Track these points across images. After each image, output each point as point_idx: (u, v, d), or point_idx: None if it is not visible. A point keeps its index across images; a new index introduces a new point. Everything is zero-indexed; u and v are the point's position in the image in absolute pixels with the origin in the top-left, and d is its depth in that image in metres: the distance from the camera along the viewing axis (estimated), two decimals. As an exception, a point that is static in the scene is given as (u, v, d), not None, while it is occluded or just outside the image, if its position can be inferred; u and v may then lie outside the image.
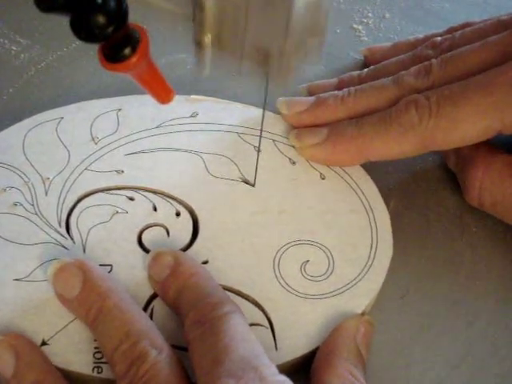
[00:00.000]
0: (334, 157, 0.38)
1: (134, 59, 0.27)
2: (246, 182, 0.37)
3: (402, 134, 0.35)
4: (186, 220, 0.36)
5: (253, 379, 0.27)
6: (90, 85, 0.43)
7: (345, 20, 0.48)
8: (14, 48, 0.45)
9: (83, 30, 0.25)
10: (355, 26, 0.47)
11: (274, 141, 0.39)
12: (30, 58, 0.44)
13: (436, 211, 0.38)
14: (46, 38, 0.45)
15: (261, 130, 0.37)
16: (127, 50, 0.27)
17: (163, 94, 0.31)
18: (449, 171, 0.39)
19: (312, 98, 0.39)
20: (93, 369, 0.31)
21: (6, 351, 0.30)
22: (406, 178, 0.40)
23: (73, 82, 0.43)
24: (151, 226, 0.35)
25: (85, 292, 0.31)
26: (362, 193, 0.37)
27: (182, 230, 0.35)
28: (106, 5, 0.25)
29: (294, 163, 0.38)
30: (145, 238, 0.35)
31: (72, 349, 0.31)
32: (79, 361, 0.31)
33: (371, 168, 0.38)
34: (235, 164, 0.38)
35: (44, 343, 0.31)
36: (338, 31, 0.47)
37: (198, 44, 0.31)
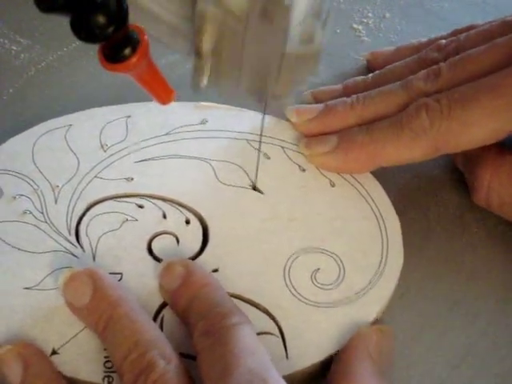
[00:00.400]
0: (346, 165, 0.37)
1: (134, 59, 0.27)
2: (256, 189, 0.37)
3: (413, 139, 0.35)
4: (195, 228, 0.36)
5: None
6: (90, 85, 0.43)
7: (345, 20, 0.48)
8: (14, 48, 0.45)
9: (83, 30, 0.25)
10: (355, 26, 0.47)
11: (283, 148, 0.39)
12: (30, 58, 0.44)
13: (436, 211, 0.38)
14: (46, 38, 0.45)
15: (260, 135, 0.37)
16: (127, 51, 0.27)
17: (163, 95, 0.31)
18: (449, 171, 0.39)
19: (321, 106, 0.39)
20: (103, 378, 0.30)
21: (14, 360, 0.30)
22: (406, 177, 0.40)
23: (73, 82, 0.43)
24: (161, 234, 0.35)
25: (95, 301, 0.31)
26: (373, 200, 0.37)
27: (191, 237, 0.35)
28: (107, 5, 0.25)
29: (303, 170, 0.38)
30: (154, 246, 0.35)
31: (82, 358, 0.31)
32: (89, 370, 0.31)
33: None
34: (244, 171, 0.38)
35: (54, 352, 0.31)
36: (338, 31, 0.47)
37: (197, 53, 0.31)
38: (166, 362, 0.28)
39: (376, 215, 0.37)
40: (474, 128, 0.34)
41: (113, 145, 0.38)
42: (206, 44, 0.31)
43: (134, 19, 0.27)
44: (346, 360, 0.31)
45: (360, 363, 0.30)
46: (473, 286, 0.35)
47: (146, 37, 0.28)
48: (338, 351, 0.32)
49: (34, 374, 0.29)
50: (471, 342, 0.33)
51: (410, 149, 0.36)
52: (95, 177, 0.37)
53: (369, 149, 0.36)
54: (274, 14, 0.29)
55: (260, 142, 0.37)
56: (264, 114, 0.36)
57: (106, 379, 0.30)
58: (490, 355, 0.33)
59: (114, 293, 0.31)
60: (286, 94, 0.35)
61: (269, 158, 0.38)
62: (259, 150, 0.37)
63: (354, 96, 0.38)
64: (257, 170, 0.37)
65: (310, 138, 0.38)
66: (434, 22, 0.48)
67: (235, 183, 0.37)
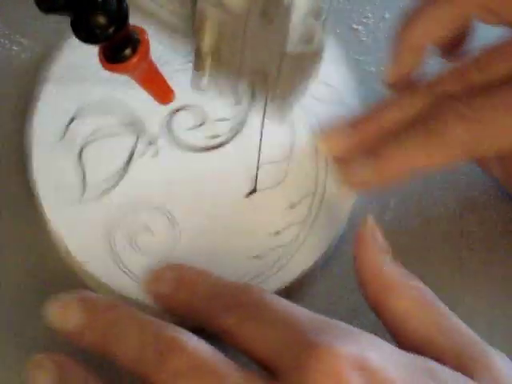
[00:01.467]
0: (383, 182, 0.35)
1: (134, 60, 0.27)
2: (256, 190, 0.37)
3: (447, 145, 0.33)
4: None
5: (338, 332, 0.26)
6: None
7: (344, 20, 0.48)
8: (15, 48, 0.45)
9: (84, 31, 0.25)
10: (355, 26, 0.47)
11: None
12: (31, 59, 0.44)
13: (436, 211, 0.38)
14: (46, 39, 0.45)
15: (261, 135, 0.37)
16: (128, 51, 0.27)
17: (164, 95, 0.31)
18: (449, 171, 0.39)
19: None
20: None
21: (49, 364, 0.28)
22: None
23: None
24: None
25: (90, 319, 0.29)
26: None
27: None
28: (107, 5, 0.25)
29: None
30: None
31: None
32: None
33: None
34: None
35: None
36: (338, 31, 0.47)
37: (197, 53, 0.31)
38: (187, 336, 0.27)
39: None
40: (509, 131, 0.33)
41: None
42: (206, 44, 0.31)
43: (134, 19, 0.27)
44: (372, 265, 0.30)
45: (389, 267, 0.30)
46: (472, 286, 0.35)
47: (146, 37, 0.28)
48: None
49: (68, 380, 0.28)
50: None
51: (444, 155, 0.34)
52: None
53: (400, 162, 0.34)
54: (274, 14, 0.29)
55: (260, 141, 0.37)
56: (264, 113, 0.36)
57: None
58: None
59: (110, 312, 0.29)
60: (286, 94, 0.35)
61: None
62: (259, 149, 0.37)
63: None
64: (257, 170, 0.37)
65: (343, 167, 0.36)
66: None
67: None
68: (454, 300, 0.35)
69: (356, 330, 0.27)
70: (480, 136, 0.33)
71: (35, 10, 0.24)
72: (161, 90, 0.31)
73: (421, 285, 0.30)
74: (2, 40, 0.45)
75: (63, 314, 0.29)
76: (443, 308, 0.30)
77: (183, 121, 0.38)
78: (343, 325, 0.27)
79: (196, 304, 0.30)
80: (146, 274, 0.32)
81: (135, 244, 0.35)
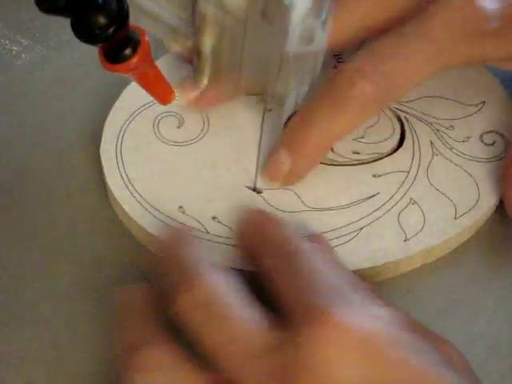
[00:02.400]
0: (303, 166, 0.36)
1: (134, 60, 0.27)
2: (256, 190, 0.37)
3: (361, 107, 0.34)
4: None
5: (347, 300, 0.26)
6: (92, 84, 0.43)
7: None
8: (15, 48, 0.45)
9: (84, 31, 0.25)
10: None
11: None
12: (31, 59, 0.44)
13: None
14: (46, 39, 0.45)
15: (261, 134, 0.37)
16: (128, 51, 0.27)
17: (164, 95, 0.31)
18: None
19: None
20: None
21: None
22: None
23: (74, 81, 0.43)
24: None
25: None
26: None
27: None
28: (107, 6, 0.25)
29: None
30: None
31: None
32: None
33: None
34: None
35: None
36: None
37: (198, 53, 0.31)
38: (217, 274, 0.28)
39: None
40: (416, 75, 0.35)
41: None
42: (206, 44, 0.31)
43: (134, 19, 0.27)
44: None
45: None
46: (472, 286, 0.35)
47: (146, 37, 0.28)
48: None
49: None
50: (471, 341, 0.33)
51: (360, 117, 0.35)
52: None
53: (322, 139, 0.35)
54: (274, 14, 0.29)
55: (260, 141, 0.37)
56: (264, 113, 0.36)
57: None
58: (490, 355, 0.33)
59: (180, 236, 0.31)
60: (286, 93, 0.35)
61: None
62: (259, 149, 0.37)
63: None
64: (256, 171, 0.37)
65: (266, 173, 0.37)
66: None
67: None
68: (455, 300, 0.35)
69: (363, 298, 0.27)
70: (386, 86, 0.34)
71: (35, 10, 0.24)
72: (162, 91, 0.31)
73: None
74: (2, 40, 0.45)
75: None
76: None
77: None
78: (355, 293, 0.27)
79: (260, 245, 0.30)
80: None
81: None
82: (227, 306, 0.27)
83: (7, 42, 0.45)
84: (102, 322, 0.34)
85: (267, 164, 0.37)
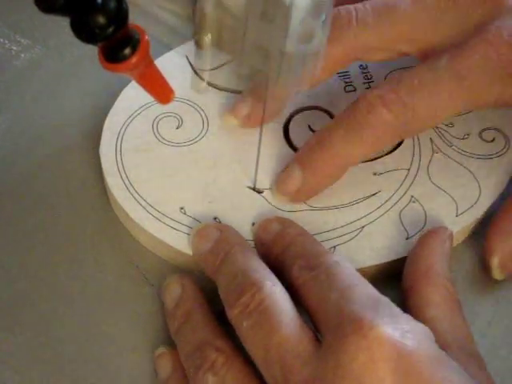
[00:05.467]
0: (320, 185, 0.36)
1: (134, 59, 0.27)
2: (255, 189, 0.37)
3: (377, 136, 0.34)
4: None
5: (387, 314, 0.27)
6: (91, 84, 0.43)
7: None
8: (15, 48, 0.45)
9: (84, 31, 0.25)
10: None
11: None
12: (31, 58, 0.44)
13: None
14: (46, 38, 0.45)
15: (260, 134, 0.37)
16: (127, 50, 0.27)
17: (163, 95, 0.31)
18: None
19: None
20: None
21: (175, 283, 0.33)
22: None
23: (73, 81, 0.43)
24: None
25: (218, 243, 0.33)
26: None
27: None
28: (107, 5, 0.25)
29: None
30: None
31: None
32: None
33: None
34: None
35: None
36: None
37: (198, 44, 0.31)
38: (272, 283, 0.29)
39: None
40: (440, 113, 0.34)
41: None
42: (207, 43, 0.31)
43: (134, 19, 0.27)
44: (429, 265, 0.32)
45: (441, 269, 0.32)
46: (472, 286, 0.35)
47: (146, 37, 0.28)
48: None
49: (189, 294, 0.32)
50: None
51: (375, 146, 0.35)
52: None
53: (336, 161, 0.35)
54: (274, 14, 0.29)
55: (260, 141, 0.37)
56: (264, 113, 0.36)
57: None
58: (490, 355, 0.33)
59: (237, 237, 0.33)
60: (286, 93, 0.35)
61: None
62: (259, 149, 0.37)
63: None
64: (256, 171, 0.37)
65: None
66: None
67: None
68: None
69: (399, 312, 0.28)
70: (406, 118, 0.34)
71: (35, 10, 0.24)
72: (161, 90, 0.31)
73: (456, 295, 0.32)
74: (2, 40, 0.45)
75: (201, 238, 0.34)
76: (463, 317, 0.32)
77: None
78: (392, 306, 0.28)
79: (284, 255, 0.32)
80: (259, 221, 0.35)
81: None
82: (279, 315, 0.28)
83: (6, 41, 0.45)
84: (102, 322, 0.34)
85: (278, 179, 0.37)
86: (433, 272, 0.32)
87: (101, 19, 0.25)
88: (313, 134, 0.37)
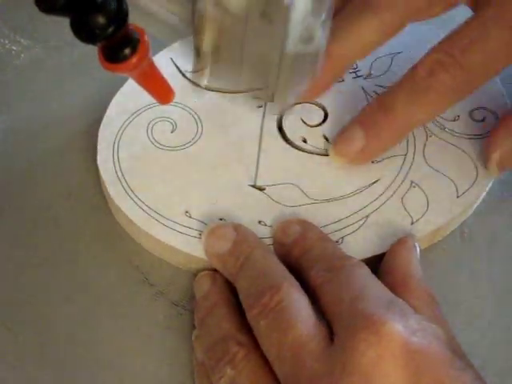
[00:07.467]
0: (382, 148, 0.37)
1: (134, 59, 0.27)
2: (255, 187, 0.37)
3: (436, 98, 0.35)
4: None
5: (398, 313, 0.27)
6: (91, 84, 0.43)
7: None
8: (15, 48, 0.45)
9: (83, 31, 0.25)
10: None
11: None
12: (31, 58, 0.44)
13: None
14: (46, 38, 0.45)
15: (261, 134, 0.37)
16: (127, 51, 0.27)
17: (164, 95, 0.31)
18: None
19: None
20: None
21: (205, 277, 0.34)
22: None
23: (73, 81, 0.43)
24: None
25: (237, 244, 0.33)
26: None
27: None
28: (107, 5, 0.25)
29: None
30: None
31: None
32: None
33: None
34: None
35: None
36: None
37: (197, 53, 0.31)
38: (289, 284, 0.30)
39: None
40: (496, 65, 0.34)
41: None
42: (206, 44, 0.31)
43: (134, 19, 0.27)
44: (405, 272, 0.32)
45: (418, 274, 0.32)
46: (472, 286, 0.35)
47: (146, 37, 0.28)
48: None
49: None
50: (471, 341, 0.33)
51: (438, 107, 0.36)
52: None
53: (399, 124, 0.36)
54: (274, 14, 0.29)
55: (260, 140, 0.37)
56: (264, 113, 0.36)
57: None
58: (490, 355, 0.33)
59: (254, 238, 0.33)
60: (286, 93, 0.35)
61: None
62: (259, 148, 0.37)
63: None
64: (257, 169, 0.37)
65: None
66: (435, 21, 0.48)
67: None
68: (455, 300, 0.35)
69: (411, 312, 0.28)
70: (464, 79, 0.34)
71: (35, 10, 0.24)
72: (161, 90, 0.31)
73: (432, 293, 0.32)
74: (2, 40, 0.45)
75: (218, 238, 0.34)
76: (443, 315, 0.32)
77: None
78: (405, 306, 0.29)
79: (303, 258, 0.33)
80: (278, 222, 0.35)
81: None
82: (295, 314, 0.29)
83: (7, 41, 0.45)
84: (102, 322, 0.34)
85: (338, 139, 0.37)
86: (409, 278, 0.32)
87: (101, 19, 0.25)
88: (374, 98, 0.37)
